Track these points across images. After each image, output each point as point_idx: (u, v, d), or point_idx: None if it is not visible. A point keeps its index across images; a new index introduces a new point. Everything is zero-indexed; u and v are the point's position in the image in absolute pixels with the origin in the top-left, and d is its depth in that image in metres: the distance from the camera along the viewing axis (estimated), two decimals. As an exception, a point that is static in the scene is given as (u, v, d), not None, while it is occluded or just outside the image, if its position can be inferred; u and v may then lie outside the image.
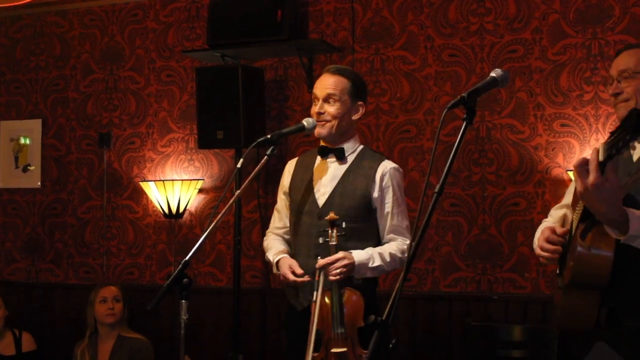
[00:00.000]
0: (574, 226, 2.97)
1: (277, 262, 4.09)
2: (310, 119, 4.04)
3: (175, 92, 6.48)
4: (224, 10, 5.95)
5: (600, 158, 2.55)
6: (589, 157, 2.65)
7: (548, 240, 3.11)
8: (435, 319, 5.66)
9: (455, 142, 2.66)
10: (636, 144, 2.75)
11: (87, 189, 6.72)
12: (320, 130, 4.09)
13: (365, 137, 5.83)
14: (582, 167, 2.65)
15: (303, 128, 4.03)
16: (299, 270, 3.99)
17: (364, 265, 3.97)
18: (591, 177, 2.61)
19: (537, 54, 5.49)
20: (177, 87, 6.47)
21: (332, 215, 3.89)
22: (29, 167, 6.92)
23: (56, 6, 6.91)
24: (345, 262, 3.88)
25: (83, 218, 6.73)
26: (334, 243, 3.89)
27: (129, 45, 6.66)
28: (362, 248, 4.04)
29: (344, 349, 3.81)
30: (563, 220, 3.42)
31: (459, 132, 2.67)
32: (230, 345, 5.85)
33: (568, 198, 3.46)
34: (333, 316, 3.85)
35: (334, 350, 3.82)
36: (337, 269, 3.86)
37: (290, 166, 4.36)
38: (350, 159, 4.17)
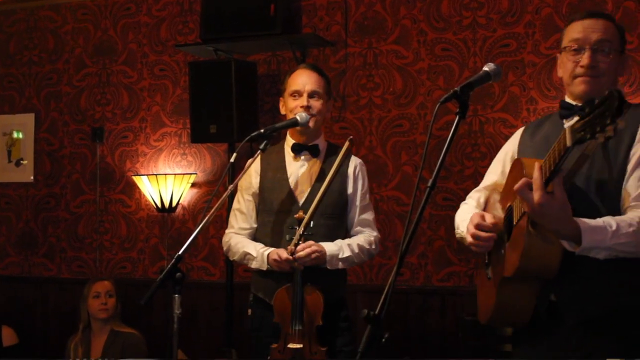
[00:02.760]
0: (516, 215, 2.87)
1: (269, 254, 4.06)
2: (303, 114, 4.03)
3: (168, 87, 6.47)
4: (217, 4, 5.94)
5: (568, 143, 2.42)
6: (531, 176, 2.60)
7: (479, 227, 3.01)
8: (428, 314, 5.67)
9: (448, 136, 2.66)
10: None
11: (80, 183, 6.71)
12: (312, 124, 4.09)
13: (358, 131, 5.83)
14: (525, 188, 2.61)
15: (296, 122, 4.03)
16: (286, 255, 3.98)
17: (334, 256, 4.00)
18: (536, 196, 2.58)
19: (530, 48, 5.50)
20: (170, 82, 6.47)
21: (300, 213, 3.93)
22: (21, 162, 6.91)
23: (49, 0, 6.89)
24: (315, 247, 3.90)
25: (76, 212, 6.72)
26: (299, 242, 3.90)
27: (121, 39, 6.65)
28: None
29: (300, 346, 3.85)
30: (485, 203, 3.36)
31: (452, 126, 2.67)
32: (223, 339, 5.86)
33: (489, 178, 3.42)
34: (292, 312, 3.88)
35: (290, 345, 3.86)
36: (304, 249, 3.87)
37: (255, 166, 4.22)
38: (322, 155, 4.19)
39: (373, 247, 4.18)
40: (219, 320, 6.02)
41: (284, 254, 3.92)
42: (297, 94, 4.11)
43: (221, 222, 6.13)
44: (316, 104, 4.09)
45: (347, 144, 4.10)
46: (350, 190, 4.15)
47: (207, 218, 3.43)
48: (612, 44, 2.99)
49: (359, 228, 4.19)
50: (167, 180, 6.04)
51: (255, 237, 4.23)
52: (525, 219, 2.76)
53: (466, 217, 3.22)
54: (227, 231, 4.33)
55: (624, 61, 3.07)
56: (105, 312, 5.68)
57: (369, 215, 4.23)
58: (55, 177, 6.81)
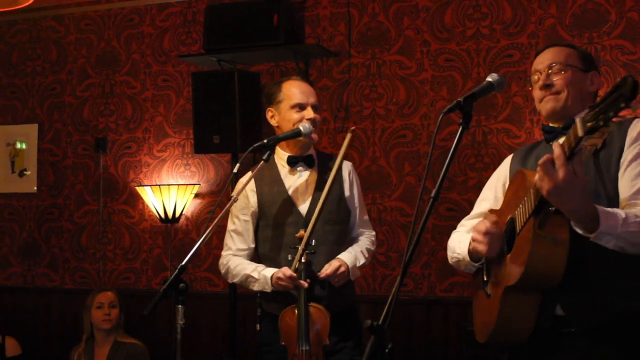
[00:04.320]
0: (520, 223, 2.86)
1: (272, 275, 4.02)
2: (306, 124, 4.02)
3: (171, 97, 6.48)
4: (220, 14, 5.95)
5: (580, 133, 2.43)
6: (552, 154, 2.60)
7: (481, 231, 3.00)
8: (432, 324, 5.66)
9: (451, 146, 2.66)
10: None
11: (84, 193, 6.72)
12: (315, 136, 4.09)
13: (362, 142, 5.83)
14: (548, 163, 2.59)
15: (299, 133, 4.01)
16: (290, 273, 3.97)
17: (354, 267, 4.02)
18: (561, 173, 2.54)
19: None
20: (173, 92, 6.47)
21: (301, 232, 3.91)
22: (25, 172, 6.92)
23: (52, 11, 6.91)
24: (343, 269, 3.92)
25: (79, 223, 6.72)
26: (303, 261, 3.88)
27: (125, 50, 6.66)
28: (344, 249, 4.08)
29: None
30: None
31: (455, 137, 2.67)
32: (226, 350, 5.85)
33: (482, 206, 3.43)
34: (299, 333, 3.84)
35: None
36: (337, 277, 3.90)
37: (250, 185, 4.15)
38: (316, 165, 4.18)
39: (374, 247, 4.28)
40: (222, 331, 6.02)
41: (288, 271, 3.87)
42: (300, 106, 4.08)
43: (224, 232, 6.11)
44: (317, 116, 4.11)
45: (349, 135, 4.07)
46: (347, 193, 4.15)
47: (210, 229, 3.42)
48: (566, 61, 3.12)
49: (361, 229, 4.24)
50: (170, 191, 6.04)
51: (256, 254, 4.20)
52: (531, 223, 2.75)
53: (463, 239, 3.24)
54: (223, 253, 4.26)
55: (591, 77, 3.16)
56: (108, 322, 5.68)
57: (366, 216, 4.33)
58: (59, 188, 6.81)
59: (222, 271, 4.27)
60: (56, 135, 6.84)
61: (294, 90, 4.12)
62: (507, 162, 3.38)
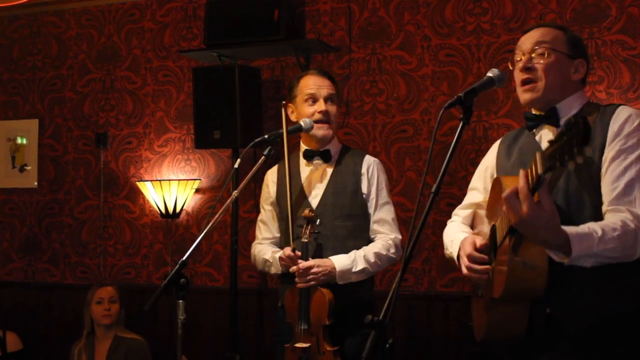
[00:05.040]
0: (499, 237, 2.84)
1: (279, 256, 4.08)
2: (307, 120, 4.03)
3: (172, 92, 6.48)
4: (221, 9, 5.94)
5: (540, 170, 2.37)
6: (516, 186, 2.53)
7: (473, 260, 2.96)
8: (432, 319, 5.66)
9: (452, 142, 2.66)
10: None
11: (84, 188, 6.72)
12: (322, 132, 4.07)
13: (362, 137, 5.83)
14: (512, 197, 2.52)
15: (300, 128, 4.02)
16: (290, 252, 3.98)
17: (347, 270, 3.94)
18: (524, 207, 2.49)
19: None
20: (174, 87, 6.47)
21: (306, 212, 3.93)
22: (25, 167, 6.92)
23: (53, 6, 6.91)
24: (317, 269, 3.88)
25: (80, 218, 6.73)
26: (306, 240, 3.91)
27: (125, 45, 6.66)
28: (359, 246, 4.03)
29: (307, 345, 3.88)
30: (472, 220, 3.37)
31: (456, 132, 2.67)
32: (227, 345, 5.85)
33: (472, 195, 3.43)
34: (298, 312, 3.92)
35: (297, 345, 3.90)
36: (308, 275, 3.88)
37: (272, 176, 4.29)
38: (334, 158, 4.17)
39: (392, 251, 4.08)
40: (223, 326, 6.01)
41: (287, 250, 3.93)
42: (312, 99, 4.09)
43: (225, 227, 6.13)
44: (332, 108, 4.09)
45: (282, 110, 4.15)
46: (364, 189, 4.09)
47: (211, 224, 3.43)
48: (553, 45, 3.02)
49: (375, 227, 4.12)
50: (171, 186, 6.04)
51: (278, 246, 4.26)
52: (508, 241, 2.73)
53: (456, 238, 3.22)
54: (253, 243, 4.38)
55: (577, 65, 3.07)
56: (108, 318, 5.68)
57: (386, 214, 4.15)
58: (59, 183, 6.81)
59: (252, 260, 4.38)
60: (57, 131, 6.84)
61: (307, 83, 4.14)
62: (494, 149, 3.35)
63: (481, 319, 3.09)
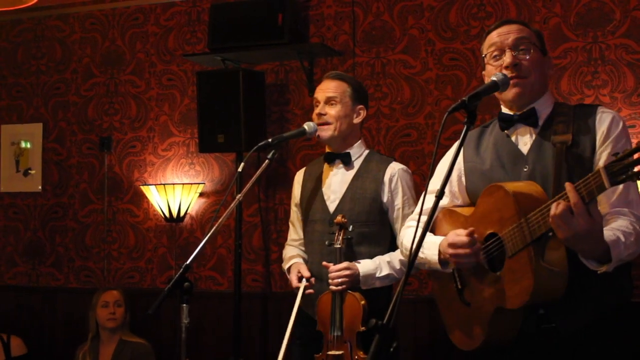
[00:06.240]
0: (511, 248, 2.79)
1: (289, 268, 4.12)
2: (311, 123, 4.05)
3: (176, 96, 6.48)
4: (225, 14, 5.95)
5: (607, 185, 2.37)
6: (564, 203, 2.53)
7: (454, 245, 2.95)
8: (437, 323, 5.64)
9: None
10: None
11: (88, 192, 6.72)
12: (323, 134, 4.09)
13: (367, 141, 5.82)
14: (567, 213, 2.51)
15: (304, 132, 4.03)
16: (307, 273, 4.00)
17: (370, 275, 3.94)
18: (582, 222, 2.50)
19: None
20: (177, 91, 6.48)
21: (339, 218, 3.91)
22: (29, 171, 6.92)
23: (57, 10, 6.92)
24: (347, 272, 3.87)
25: (84, 222, 6.73)
26: (339, 246, 3.89)
27: (129, 49, 6.66)
28: (375, 253, 4.01)
29: (340, 352, 3.82)
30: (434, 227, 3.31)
31: (460, 136, 2.67)
32: (231, 349, 5.84)
33: (433, 201, 3.30)
34: (331, 319, 3.87)
35: (330, 352, 3.84)
36: (338, 278, 3.87)
37: (299, 177, 4.37)
38: (357, 163, 4.16)
39: None
40: (227, 330, 6.01)
41: (294, 282, 4.04)
42: (317, 102, 4.15)
43: (229, 231, 6.12)
44: (331, 110, 4.08)
45: None
46: (385, 198, 4.06)
47: (215, 227, 3.43)
48: (530, 39, 3.05)
49: None
50: (175, 190, 6.04)
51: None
52: (530, 252, 2.71)
53: (431, 241, 3.14)
54: (285, 243, 4.46)
55: (547, 61, 3.12)
56: (113, 321, 5.69)
57: None
58: (63, 187, 6.82)
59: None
60: (61, 135, 6.85)
61: (317, 89, 4.20)
62: (453, 152, 3.31)
63: (469, 330, 3.09)
